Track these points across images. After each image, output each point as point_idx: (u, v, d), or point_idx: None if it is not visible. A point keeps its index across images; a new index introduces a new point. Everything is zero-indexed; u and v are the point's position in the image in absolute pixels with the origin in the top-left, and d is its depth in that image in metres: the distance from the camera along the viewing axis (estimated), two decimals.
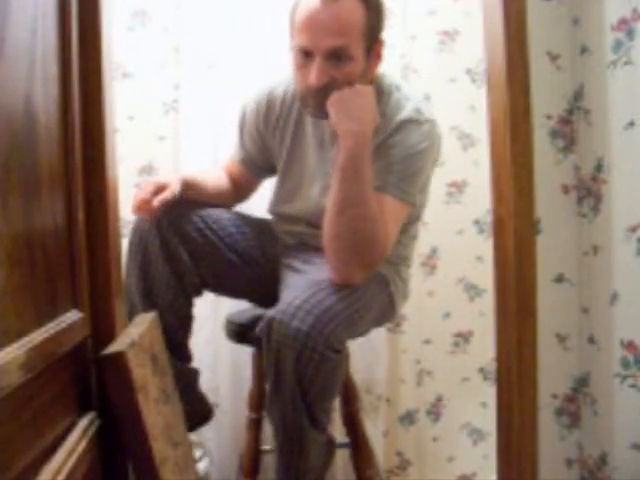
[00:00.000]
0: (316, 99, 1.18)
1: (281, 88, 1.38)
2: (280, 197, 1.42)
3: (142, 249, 1.26)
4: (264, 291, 1.41)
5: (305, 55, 1.16)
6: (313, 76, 1.14)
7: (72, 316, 0.80)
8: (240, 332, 1.40)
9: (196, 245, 1.29)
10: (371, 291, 1.20)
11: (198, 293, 1.35)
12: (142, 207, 1.21)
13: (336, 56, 1.15)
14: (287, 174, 1.38)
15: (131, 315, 1.24)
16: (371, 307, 1.20)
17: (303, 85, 1.20)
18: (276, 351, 1.03)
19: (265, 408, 1.15)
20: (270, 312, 1.07)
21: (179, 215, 1.28)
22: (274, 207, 1.45)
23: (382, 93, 1.25)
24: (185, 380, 1.33)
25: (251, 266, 1.37)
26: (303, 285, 1.12)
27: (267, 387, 1.11)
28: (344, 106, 1.13)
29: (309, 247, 1.37)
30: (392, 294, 1.34)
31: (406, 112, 1.24)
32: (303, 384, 1.04)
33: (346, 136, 1.12)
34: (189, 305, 1.33)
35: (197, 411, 1.37)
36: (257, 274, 1.39)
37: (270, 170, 1.47)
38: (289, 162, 1.37)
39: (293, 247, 1.40)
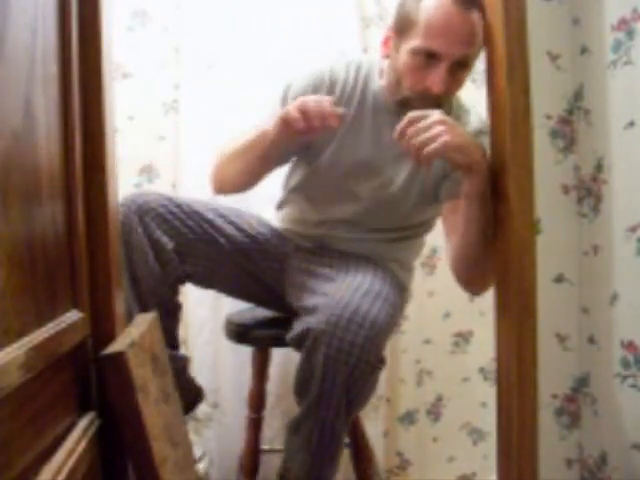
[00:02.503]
0: (426, 104, 1.12)
1: (341, 73, 1.30)
2: (315, 185, 1.36)
3: (126, 235, 1.24)
4: (260, 292, 1.40)
5: (427, 57, 1.12)
6: (437, 82, 1.11)
7: (72, 316, 0.80)
8: (240, 332, 1.40)
9: (185, 240, 1.27)
10: (394, 296, 1.21)
11: (182, 282, 1.34)
12: (329, 113, 1.09)
13: (460, 64, 1.13)
14: (334, 164, 1.30)
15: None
16: (397, 313, 1.22)
17: (417, 87, 1.15)
18: (324, 365, 1.00)
19: (295, 418, 1.11)
20: (314, 323, 1.03)
21: (167, 212, 1.27)
22: (305, 191, 1.38)
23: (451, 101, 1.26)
24: (174, 366, 1.33)
25: (244, 267, 1.35)
26: (341, 293, 1.09)
27: (304, 398, 1.07)
28: (463, 146, 1.05)
29: (328, 250, 1.35)
30: (406, 299, 1.37)
31: (476, 122, 1.25)
32: (350, 395, 1.03)
33: (480, 172, 1.07)
34: (173, 293, 1.31)
35: (187, 395, 1.36)
36: (253, 275, 1.36)
37: (289, 159, 1.40)
38: (339, 151, 1.29)
39: (308, 250, 1.37)
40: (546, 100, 1.57)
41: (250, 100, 1.81)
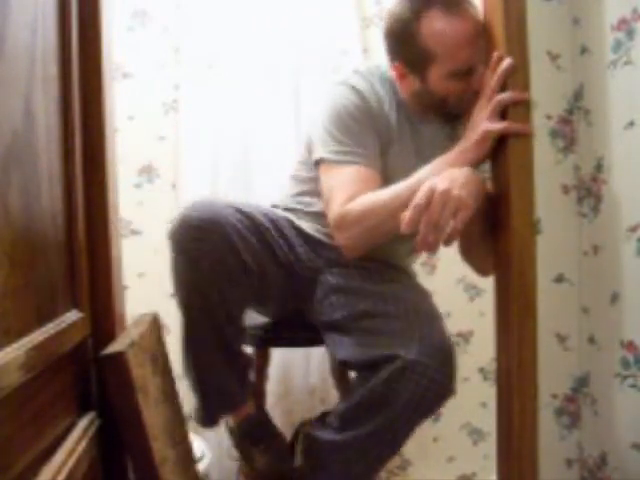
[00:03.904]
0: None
1: (372, 87, 1.22)
2: None
3: (196, 299, 1.09)
4: (288, 306, 1.31)
5: (462, 74, 1.10)
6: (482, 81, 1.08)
7: (72, 316, 0.80)
8: None
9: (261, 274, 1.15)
10: None
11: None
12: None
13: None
14: (386, 178, 1.21)
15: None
16: None
17: (466, 96, 1.11)
18: (413, 393, 1.00)
19: (349, 433, 1.08)
20: (403, 352, 1.01)
21: (242, 271, 1.10)
22: None
23: None
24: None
25: (286, 284, 1.23)
26: (412, 318, 1.08)
27: (372, 417, 1.05)
28: (472, 191, 0.99)
29: (360, 259, 1.25)
30: None
31: None
32: (424, 419, 1.05)
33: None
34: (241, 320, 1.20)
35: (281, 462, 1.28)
36: (289, 290, 1.25)
37: None
38: (390, 165, 1.22)
39: (340, 263, 1.24)
40: (546, 100, 1.57)
41: (250, 100, 1.81)
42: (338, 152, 1.17)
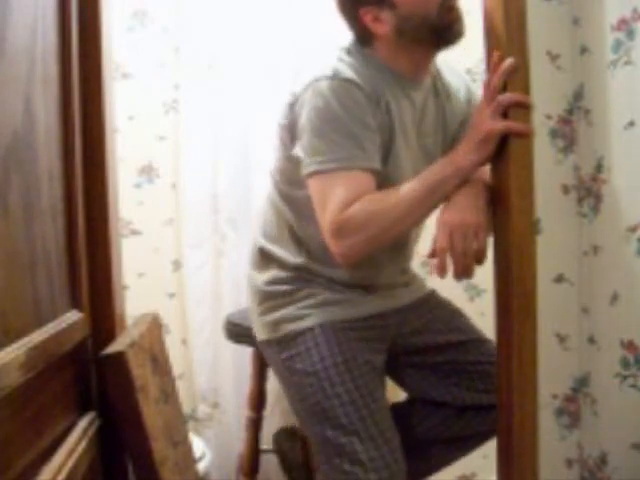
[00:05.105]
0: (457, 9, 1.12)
1: (358, 78, 1.10)
2: None
3: None
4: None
5: None
6: None
7: (72, 316, 0.80)
8: (240, 332, 1.40)
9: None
10: None
11: None
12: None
13: None
14: (394, 173, 1.14)
15: None
16: None
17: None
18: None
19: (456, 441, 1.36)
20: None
21: None
22: None
23: None
24: None
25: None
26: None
27: (476, 438, 1.33)
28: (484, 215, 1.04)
29: (417, 309, 1.29)
30: None
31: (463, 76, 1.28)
32: None
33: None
34: None
35: None
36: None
37: None
38: (384, 163, 1.12)
39: (407, 327, 1.28)
40: (546, 100, 1.57)
41: (250, 100, 1.81)
42: (333, 160, 1.05)
